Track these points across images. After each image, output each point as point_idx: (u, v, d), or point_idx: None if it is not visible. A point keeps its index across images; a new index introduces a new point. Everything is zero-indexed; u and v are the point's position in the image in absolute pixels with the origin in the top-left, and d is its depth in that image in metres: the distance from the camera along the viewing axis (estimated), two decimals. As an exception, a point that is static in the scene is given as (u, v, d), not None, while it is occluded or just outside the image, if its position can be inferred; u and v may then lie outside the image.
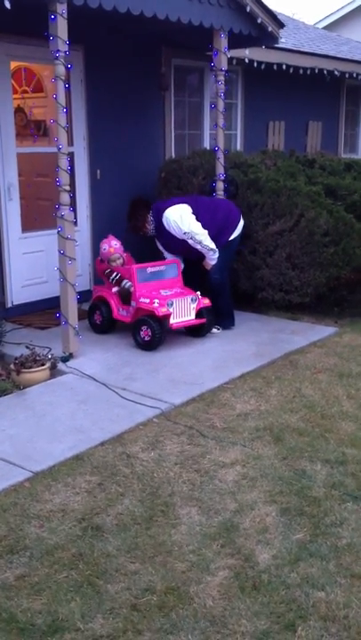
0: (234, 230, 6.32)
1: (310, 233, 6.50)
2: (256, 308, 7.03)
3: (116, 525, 3.31)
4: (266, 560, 3.06)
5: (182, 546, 3.16)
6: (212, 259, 6.18)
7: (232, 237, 6.31)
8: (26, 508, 3.45)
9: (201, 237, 6.00)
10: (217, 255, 6.17)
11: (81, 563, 3.03)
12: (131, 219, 6.36)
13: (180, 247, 6.19)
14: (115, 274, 6.13)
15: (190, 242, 6.04)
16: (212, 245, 6.09)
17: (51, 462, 3.87)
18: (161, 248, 6.43)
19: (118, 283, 6.10)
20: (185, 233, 5.98)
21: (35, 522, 3.33)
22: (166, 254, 6.43)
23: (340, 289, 7.06)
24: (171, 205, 6.12)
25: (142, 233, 6.38)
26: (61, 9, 4.99)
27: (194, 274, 6.34)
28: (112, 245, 6.21)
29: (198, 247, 6.07)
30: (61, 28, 5.03)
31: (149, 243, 6.67)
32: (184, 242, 6.07)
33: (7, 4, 4.73)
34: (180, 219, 6.00)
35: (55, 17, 4.99)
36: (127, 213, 6.37)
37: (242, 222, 6.40)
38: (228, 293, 6.41)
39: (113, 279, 6.13)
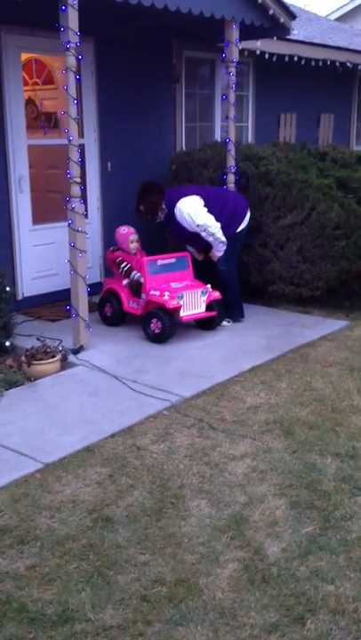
0: (242, 222, 6.31)
1: (321, 226, 6.48)
2: (267, 302, 7.01)
3: (126, 517, 3.32)
4: (275, 553, 3.06)
5: (192, 538, 3.17)
6: (221, 250, 6.18)
7: (240, 229, 6.30)
8: (37, 498, 3.46)
9: (214, 230, 5.99)
10: (225, 247, 6.16)
11: (91, 553, 3.04)
12: (142, 202, 6.16)
13: (189, 237, 6.17)
14: (125, 264, 6.12)
15: (203, 234, 6.02)
16: (223, 238, 6.08)
17: (61, 454, 3.88)
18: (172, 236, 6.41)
19: (128, 274, 6.09)
20: (198, 226, 5.97)
21: (45, 512, 3.35)
22: (188, 247, 6.46)
23: (352, 282, 7.03)
24: (182, 196, 6.09)
25: (151, 219, 6.24)
26: (72, 0, 4.98)
27: (202, 266, 6.33)
28: (129, 228, 6.21)
29: (210, 239, 6.06)
30: (72, 19, 5.01)
31: (156, 234, 6.67)
32: (193, 232, 6.06)
33: (18, -4, 4.72)
34: (194, 211, 5.98)
35: (66, 8, 4.97)
36: (138, 196, 6.20)
37: (249, 214, 6.38)
38: (237, 285, 6.40)
39: (122, 269, 6.12)
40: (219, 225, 6.02)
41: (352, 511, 3.38)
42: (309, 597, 2.78)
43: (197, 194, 6.14)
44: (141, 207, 6.18)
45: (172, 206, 6.06)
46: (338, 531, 3.22)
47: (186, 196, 6.11)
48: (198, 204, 6.03)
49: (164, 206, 6.12)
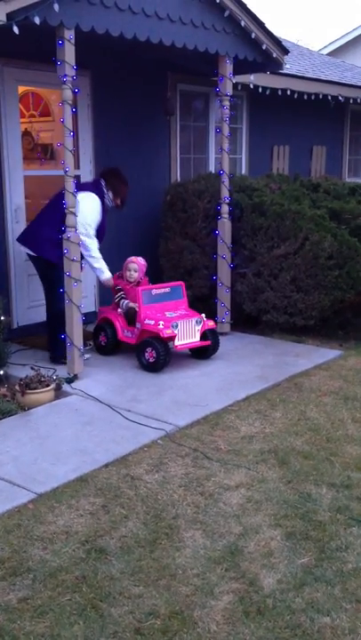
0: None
1: (315, 256, 6.53)
2: (260, 331, 7.03)
3: (119, 548, 3.29)
4: (271, 584, 3.03)
5: (186, 569, 3.13)
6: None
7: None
8: (29, 529, 3.43)
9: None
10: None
11: (84, 585, 3.00)
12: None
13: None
14: (119, 293, 6.14)
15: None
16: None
17: (54, 484, 3.85)
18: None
19: (118, 303, 6.10)
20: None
21: (38, 544, 3.31)
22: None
23: (345, 312, 7.07)
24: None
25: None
26: (69, 34, 5.07)
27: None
28: (138, 259, 6.24)
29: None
30: (69, 53, 5.10)
31: (151, 265, 6.69)
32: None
33: (15, 30, 4.80)
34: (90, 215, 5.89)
35: (63, 42, 5.07)
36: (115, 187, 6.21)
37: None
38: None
39: (116, 297, 6.14)
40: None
41: (348, 542, 3.35)
42: (305, 629, 2.75)
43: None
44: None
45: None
46: (333, 562, 3.20)
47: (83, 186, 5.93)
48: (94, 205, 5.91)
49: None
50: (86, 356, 5.85)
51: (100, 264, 6.00)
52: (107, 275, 6.06)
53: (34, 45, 5.44)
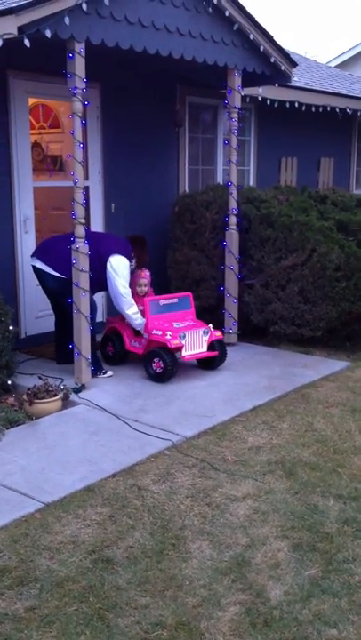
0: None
1: (322, 267, 6.54)
2: (268, 342, 7.03)
3: (126, 558, 3.29)
4: (277, 596, 3.03)
5: (193, 580, 3.13)
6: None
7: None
8: (36, 539, 3.43)
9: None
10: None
11: (91, 595, 3.00)
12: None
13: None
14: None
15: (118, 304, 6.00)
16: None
17: (62, 493, 3.86)
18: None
19: None
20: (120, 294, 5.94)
21: (45, 553, 3.32)
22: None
23: (353, 323, 7.06)
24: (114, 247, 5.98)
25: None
26: (79, 47, 5.13)
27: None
28: (145, 272, 6.28)
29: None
30: (79, 65, 5.16)
31: (158, 275, 6.72)
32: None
33: (27, 43, 4.86)
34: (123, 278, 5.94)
35: (73, 55, 5.12)
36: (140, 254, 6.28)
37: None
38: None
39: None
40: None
41: (355, 554, 3.35)
42: (312, 642, 2.74)
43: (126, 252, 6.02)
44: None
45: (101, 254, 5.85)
46: (341, 574, 3.19)
47: (118, 248, 5.97)
48: (127, 272, 5.94)
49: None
50: (109, 373, 5.94)
51: (140, 320, 5.99)
52: (143, 322, 6.02)
53: (44, 58, 5.50)
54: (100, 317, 7.18)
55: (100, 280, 5.80)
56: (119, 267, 5.84)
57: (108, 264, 5.81)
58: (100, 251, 5.75)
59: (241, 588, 3.08)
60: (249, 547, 3.40)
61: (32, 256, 6.09)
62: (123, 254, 5.90)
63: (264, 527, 3.58)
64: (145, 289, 6.25)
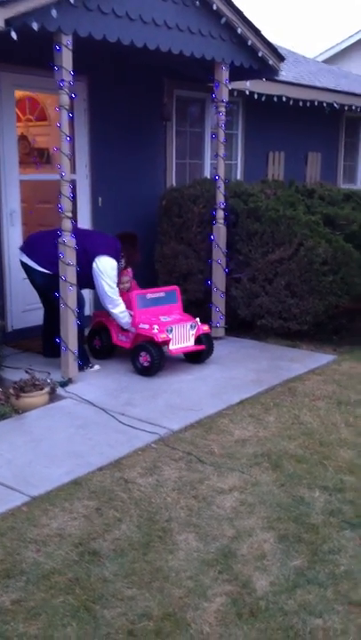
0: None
1: (309, 261, 6.56)
2: (255, 335, 7.06)
3: (113, 550, 3.30)
4: (263, 587, 3.05)
5: (179, 572, 3.15)
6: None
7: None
8: (23, 532, 3.44)
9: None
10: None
11: (77, 587, 3.01)
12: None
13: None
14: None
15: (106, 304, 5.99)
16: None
17: (48, 487, 3.86)
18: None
19: None
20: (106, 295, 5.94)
21: (31, 546, 3.32)
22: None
23: (339, 317, 7.10)
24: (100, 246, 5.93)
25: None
26: (66, 40, 5.10)
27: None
28: (127, 269, 6.29)
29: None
30: (66, 58, 5.13)
31: (146, 269, 6.72)
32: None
33: (13, 35, 4.83)
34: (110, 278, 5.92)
35: (60, 48, 5.10)
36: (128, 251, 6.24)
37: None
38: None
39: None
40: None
41: (340, 545, 3.37)
42: (297, 631, 2.76)
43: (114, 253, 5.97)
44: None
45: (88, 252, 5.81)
46: (326, 564, 3.22)
47: (106, 248, 5.92)
48: (114, 272, 5.92)
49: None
50: (96, 367, 5.94)
51: (128, 318, 5.96)
52: (130, 320, 6.00)
53: (31, 50, 5.47)
54: (87, 311, 7.17)
55: (86, 276, 5.79)
56: (105, 268, 5.82)
57: (94, 264, 5.79)
58: (87, 249, 5.73)
59: (227, 579, 3.10)
60: (235, 538, 3.42)
61: (20, 250, 6.07)
62: (110, 255, 5.87)
63: (250, 519, 3.60)
64: (127, 285, 6.27)
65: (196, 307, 7.08)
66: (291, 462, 4.26)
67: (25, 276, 6.13)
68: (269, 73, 7.22)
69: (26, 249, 5.99)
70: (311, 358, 6.39)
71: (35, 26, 4.86)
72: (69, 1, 5.00)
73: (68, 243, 5.38)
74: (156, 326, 5.76)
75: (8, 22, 4.79)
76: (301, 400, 5.33)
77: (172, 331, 5.76)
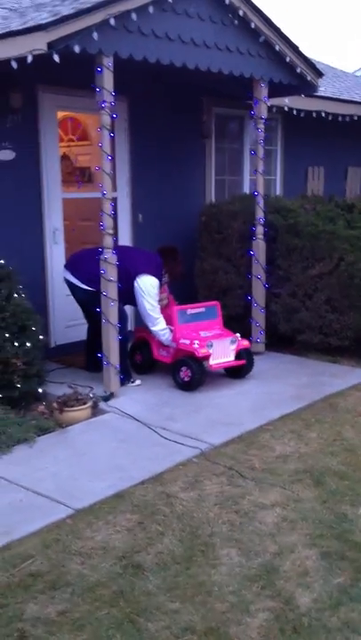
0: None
1: (350, 276, 6.53)
2: (295, 351, 7.04)
3: (156, 564, 3.33)
4: (306, 603, 3.04)
5: (222, 586, 3.16)
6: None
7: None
8: (67, 544, 3.49)
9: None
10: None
11: (121, 600, 3.05)
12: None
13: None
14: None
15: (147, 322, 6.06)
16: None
17: (92, 500, 3.92)
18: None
19: None
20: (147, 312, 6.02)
21: (76, 558, 3.37)
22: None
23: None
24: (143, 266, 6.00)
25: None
26: (107, 62, 5.22)
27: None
28: (163, 288, 6.33)
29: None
30: (107, 79, 5.25)
31: (185, 284, 6.76)
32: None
33: (56, 58, 4.96)
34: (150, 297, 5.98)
35: (101, 69, 5.21)
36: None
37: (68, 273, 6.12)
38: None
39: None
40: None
41: (384, 562, 3.34)
42: (341, 649, 2.75)
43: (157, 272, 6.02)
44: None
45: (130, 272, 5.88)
46: (370, 582, 3.19)
47: (147, 267, 5.97)
48: (155, 291, 5.96)
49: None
50: (138, 382, 6.01)
51: (168, 335, 6.02)
52: (170, 337, 6.05)
53: (73, 72, 5.60)
54: (129, 327, 7.24)
55: (128, 293, 5.87)
56: (146, 286, 5.89)
57: (135, 283, 5.87)
58: (128, 268, 5.80)
59: (270, 595, 3.10)
60: (277, 554, 3.42)
61: (64, 267, 6.20)
62: (151, 273, 5.94)
63: (293, 535, 3.59)
64: (165, 302, 6.30)
65: (236, 322, 7.09)
66: (333, 479, 4.24)
67: (68, 292, 6.25)
68: (308, 89, 7.24)
69: (69, 267, 6.11)
70: (352, 374, 6.34)
71: (76, 49, 4.98)
72: (110, 23, 5.11)
73: (109, 259, 5.47)
74: (196, 341, 5.80)
75: (50, 45, 4.92)
76: (343, 416, 5.30)
77: (212, 346, 5.79)
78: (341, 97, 9.81)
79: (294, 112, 8.83)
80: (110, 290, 5.50)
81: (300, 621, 2.91)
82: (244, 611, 2.99)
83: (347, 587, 3.16)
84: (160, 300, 6.22)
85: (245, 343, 6.09)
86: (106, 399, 5.51)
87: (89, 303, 5.93)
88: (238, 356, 6.02)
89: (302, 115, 9.02)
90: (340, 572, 3.27)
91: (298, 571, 3.28)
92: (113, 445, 4.71)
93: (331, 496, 4.01)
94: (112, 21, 5.10)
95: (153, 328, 5.99)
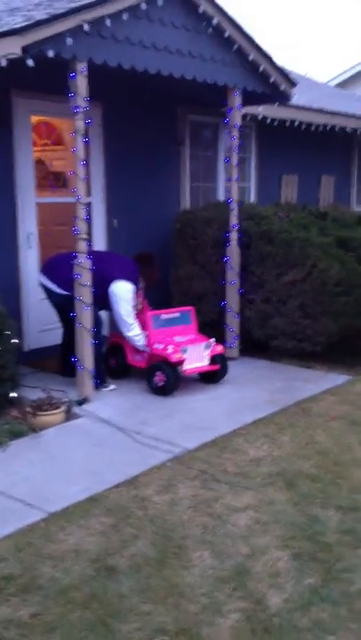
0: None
1: (323, 283, 6.61)
2: (269, 356, 7.09)
3: (129, 567, 3.33)
4: (277, 604, 3.07)
5: (194, 588, 3.17)
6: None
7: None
8: (40, 547, 3.48)
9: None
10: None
11: (94, 602, 3.05)
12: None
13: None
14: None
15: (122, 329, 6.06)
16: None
17: (65, 503, 3.91)
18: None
19: None
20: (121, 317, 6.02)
21: (49, 562, 3.36)
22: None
23: (353, 338, 7.13)
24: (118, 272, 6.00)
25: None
26: (81, 67, 5.24)
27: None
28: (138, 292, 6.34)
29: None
30: (81, 85, 5.27)
31: (160, 291, 6.79)
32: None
33: (30, 62, 4.98)
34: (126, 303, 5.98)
35: (75, 75, 5.23)
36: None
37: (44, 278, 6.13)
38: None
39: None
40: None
41: (354, 563, 3.39)
42: (312, 648, 2.78)
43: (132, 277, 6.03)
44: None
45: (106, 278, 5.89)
46: (340, 583, 3.23)
47: (123, 272, 5.99)
48: (130, 296, 5.97)
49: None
50: (112, 386, 6.01)
51: (143, 341, 6.02)
52: (145, 342, 6.06)
53: (47, 77, 5.61)
54: (104, 331, 7.25)
55: (103, 298, 5.87)
56: (121, 292, 5.90)
57: (110, 289, 5.88)
58: (104, 273, 5.81)
59: (241, 596, 3.12)
60: (250, 556, 3.44)
61: (40, 272, 6.19)
62: (126, 279, 5.95)
63: (265, 537, 3.62)
64: (139, 307, 6.30)
65: (211, 328, 7.13)
66: (305, 482, 4.28)
67: (42, 297, 6.24)
68: (281, 98, 7.34)
69: (45, 271, 6.11)
70: (325, 379, 6.41)
71: (50, 53, 5.00)
72: (84, 29, 5.13)
73: (83, 264, 5.48)
74: (170, 346, 5.82)
75: (25, 49, 4.94)
76: (316, 420, 5.35)
77: (186, 351, 5.82)
78: (314, 106, 9.94)
79: (268, 121, 8.93)
80: (84, 294, 5.50)
81: (271, 622, 2.94)
82: (216, 612, 3.01)
83: (317, 587, 3.19)
84: (134, 306, 6.23)
85: (220, 348, 6.13)
86: (80, 403, 5.50)
87: (64, 307, 5.93)
88: (212, 361, 6.05)
89: (276, 123, 9.13)
90: (311, 573, 3.30)
91: (269, 572, 3.31)
92: (87, 449, 4.71)
93: (302, 498, 4.06)
94: (86, 27, 5.13)
95: (128, 334, 6.00)
